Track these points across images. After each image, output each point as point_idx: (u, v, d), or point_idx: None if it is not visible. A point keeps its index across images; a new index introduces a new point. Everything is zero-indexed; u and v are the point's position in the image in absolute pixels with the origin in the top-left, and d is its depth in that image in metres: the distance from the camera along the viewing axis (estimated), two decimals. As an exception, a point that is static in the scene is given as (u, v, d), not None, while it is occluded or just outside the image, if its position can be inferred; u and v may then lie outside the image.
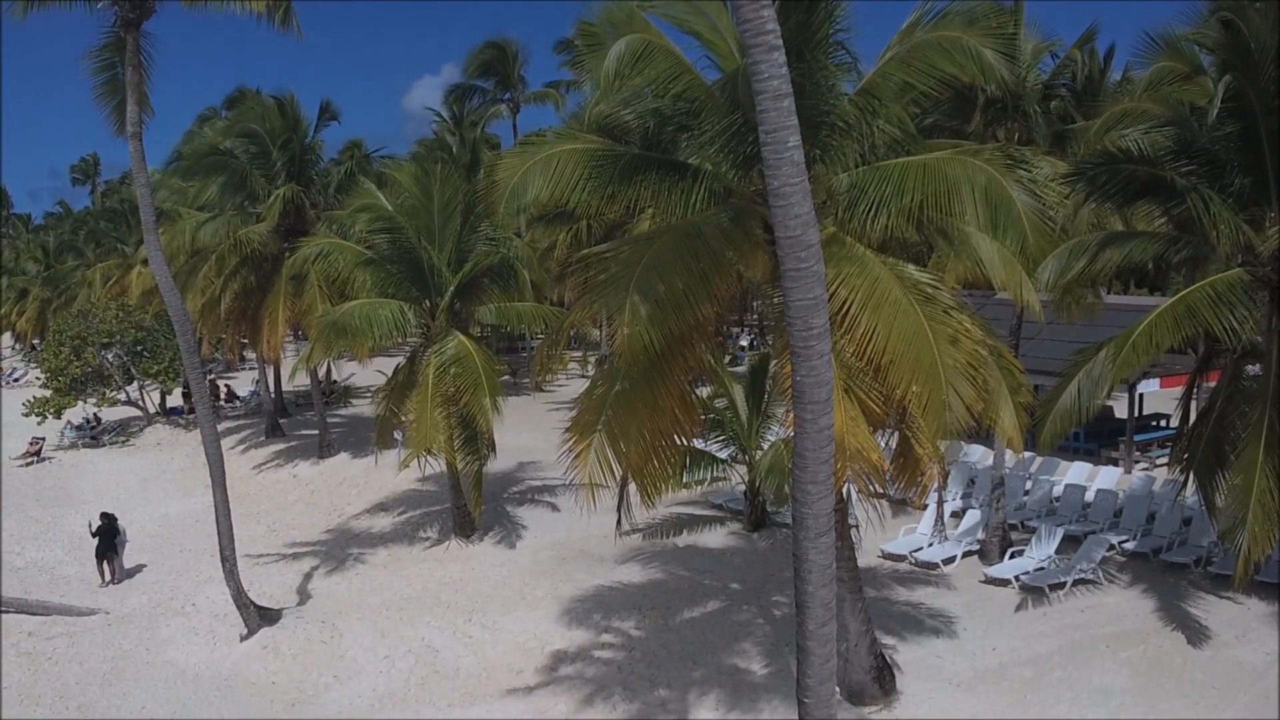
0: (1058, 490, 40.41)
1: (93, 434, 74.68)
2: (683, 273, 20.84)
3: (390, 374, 43.43)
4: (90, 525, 44.85)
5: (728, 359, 67.34)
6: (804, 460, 15.99)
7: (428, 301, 41.45)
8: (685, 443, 23.68)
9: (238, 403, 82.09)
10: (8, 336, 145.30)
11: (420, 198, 41.13)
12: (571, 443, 22.79)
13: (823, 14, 22.05)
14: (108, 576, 43.80)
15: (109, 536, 44.12)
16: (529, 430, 48.53)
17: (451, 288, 40.63)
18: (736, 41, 21.36)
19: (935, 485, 24.79)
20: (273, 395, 71.68)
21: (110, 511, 45.99)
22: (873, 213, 22.17)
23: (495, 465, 45.25)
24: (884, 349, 20.92)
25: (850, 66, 23.43)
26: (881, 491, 23.76)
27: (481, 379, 38.44)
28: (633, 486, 24.39)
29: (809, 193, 15.12)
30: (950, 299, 22.24)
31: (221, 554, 35.86)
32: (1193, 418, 30.73)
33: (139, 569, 45.11)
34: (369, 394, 73.19)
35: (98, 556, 44.07)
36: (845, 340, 21.32)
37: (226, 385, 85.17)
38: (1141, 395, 46.40)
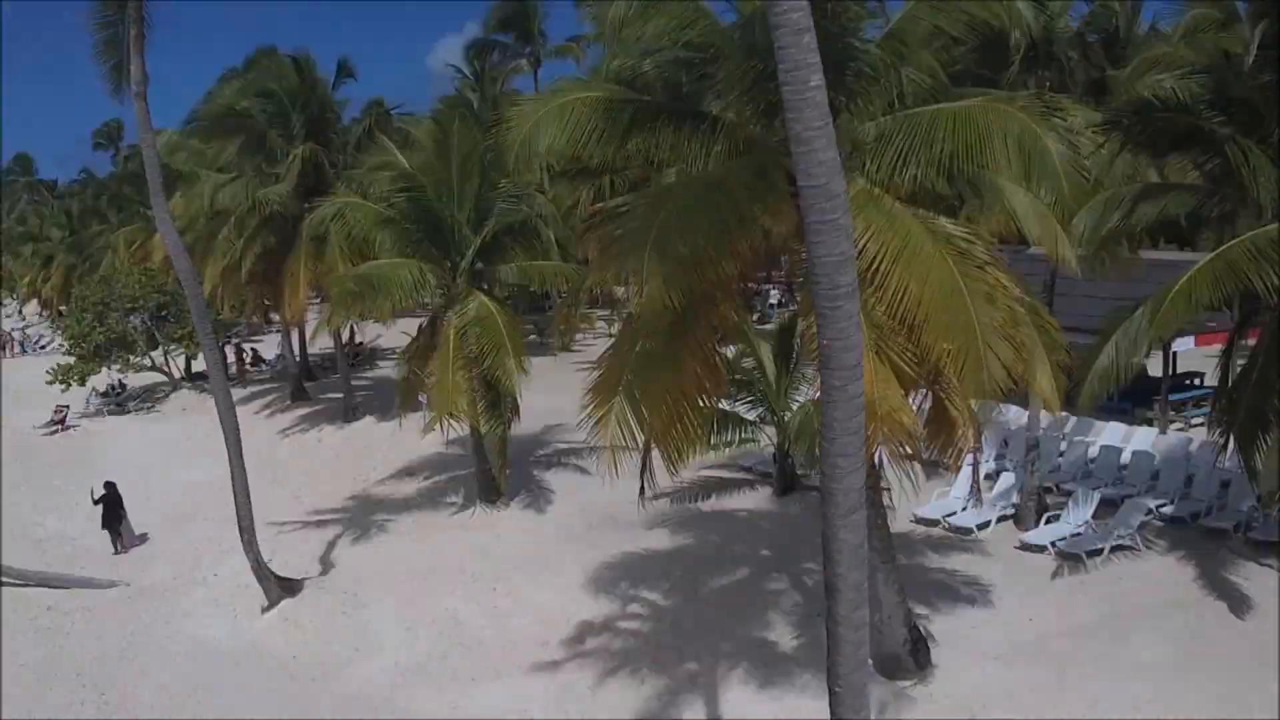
0: (1093, 452, 39.52)
1: (118, 401, 74.56)
2: (704, 228, 19.97)
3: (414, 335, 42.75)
4: (92, 493, 44.47)
5: (755, 317, 66.65)
6: (832, 431, 15.08)
7: (448, 261, 40.61)
8: (710, 405, 22.79)
9: (264, 366, 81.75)
10: (34, 303, 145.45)
11: (439, 155, 40.34)
12: (592, 406, 22.02)
13: None
14: (120, 546, 43.73)
15: (113, 505, 43.88)
16: (556, 391, 47.58)
17: (473, 248, 39.90)
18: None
19: (970, 448, 23.84)
20: (297, 359, 71.09)
21: (112, 480, 45.43)
22: (901, 163, 21.21)
23: (521, 428, 44.46)
24: (916, 307, 19.95)
25: (877, 11, 22.53)
26: (914, 455, 22.82)
27: (504, 340, 37.75)
28: (657, 452, 23.55)
29: (834, 137, 14.17)
30: (985, 253, 21.31)
31: (239, 524, 35.21)
32: (1232, 378, 29.82)
33: (144, 537, 44.98)
34: (394, 356, 72.90)
35: (104, 526, 43.86)
36: (875, 298, 20.37)
37: (252, 349, 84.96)
38: (1175, 354, 45.34)
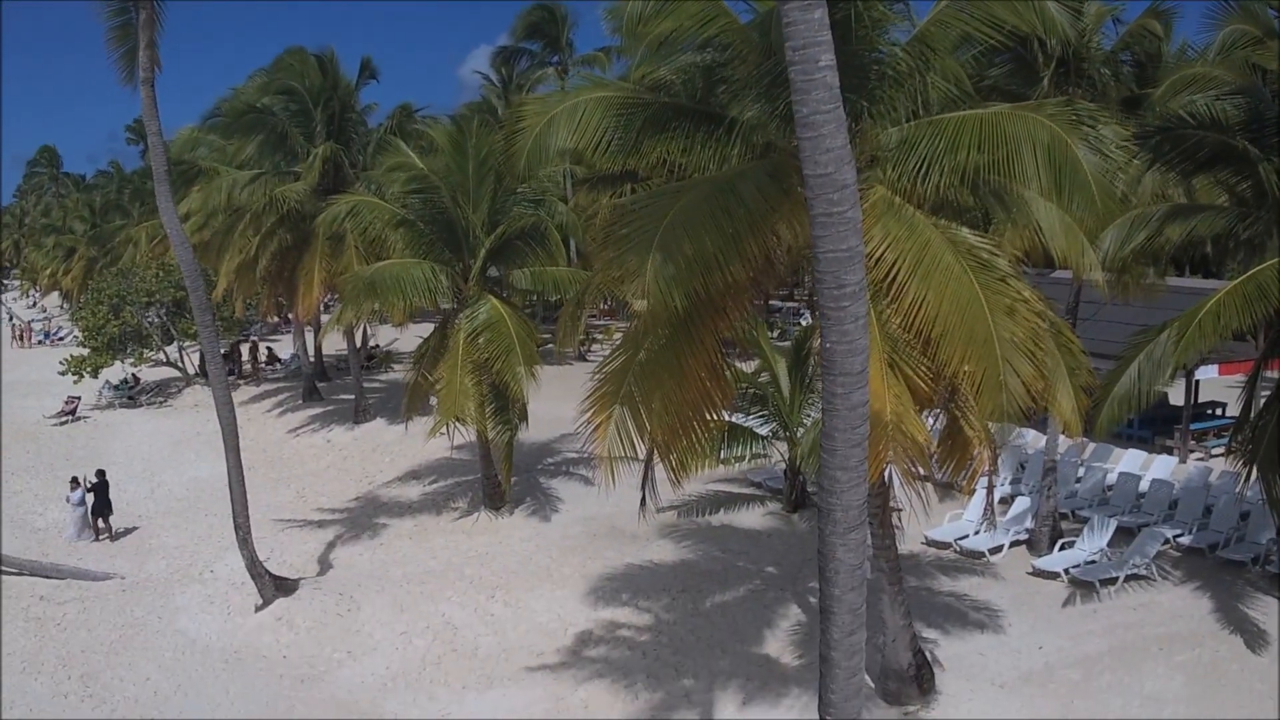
0: (1111, 478, 38.82)
1: (130, 394, 74.43)
2: (712, 230, 19.13)
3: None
4: (85, 481, 45.08)
5: (776, 334, 66.12)
6: (833, 443, 14.37)
7: (460, 264, 40.06)
8: (716, 416, 21.98)
9: (278, 365, 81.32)
10: (54, 295, 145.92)
11: (455, 157, 39.79)
12: (590, 414, 21.27)
13: None
14: (103, 533, 44.39)
15: (103, 493, 44.55)
16: (567, 400, 46.55)
17: (484, 250, 39.34)
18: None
19: (985, 470, 23.07)
20: (311, 359, 70.60)
21: (103, 469, 46.53)
22: (924, 170, 20.41)
23: (530, 436, 44.19)
24: (934, 320, 19.09)
25: (903, 13, 21.80)
26: (927, 475, 22.07)
27: (514, 345, 37.09)
28: (661, 464, 22.82)
29: (844, 123, 13.46)
30: (1007, 266, 20.51)
31: (235, 521, 34.83)
32: (1256, 408, 29.08)
33: (132, 530, 45.28)
34: (409, 359, 72.53)
35: (93, 514, 44.49)
36: (891, 309, 19.68)
37: (268, 348, 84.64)
38: (1198, 381, 44.51)
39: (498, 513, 41.46)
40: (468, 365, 37.67)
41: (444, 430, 38.61)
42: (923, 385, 20.00)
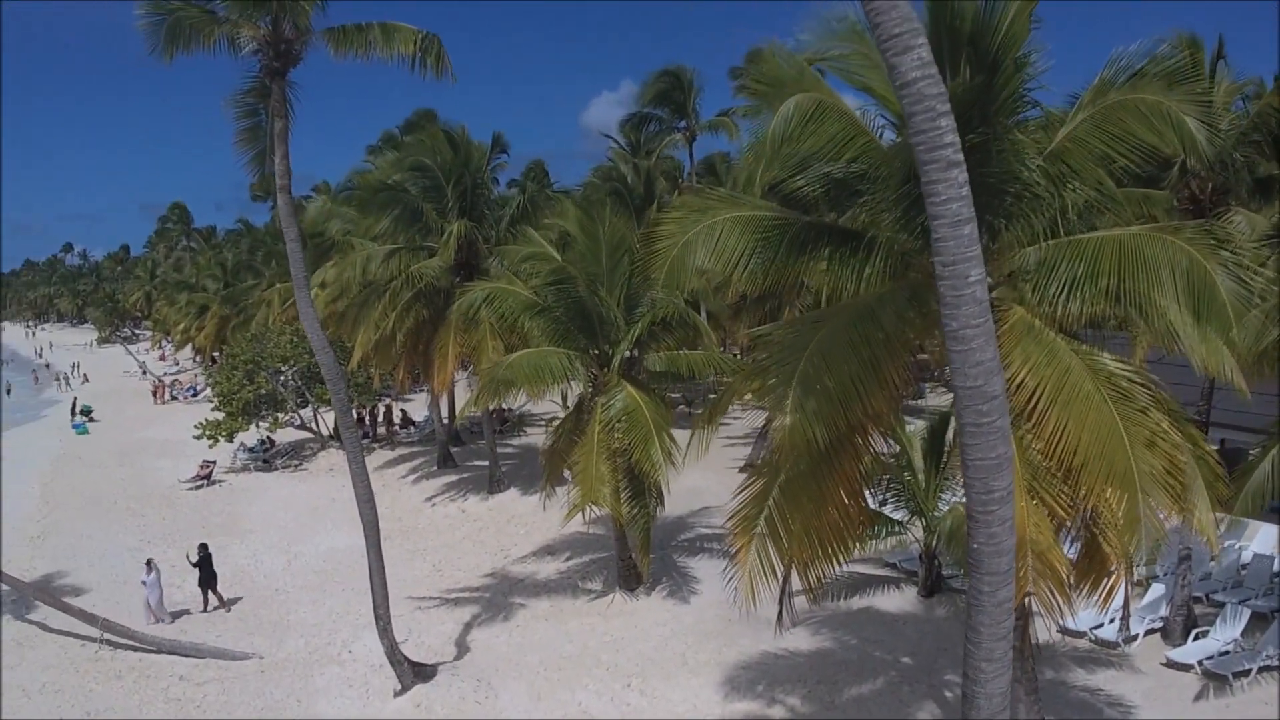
0: (1246, 557, 38.51)
1: (265, 457, 75.49)
2: (852, 360, 19.55)
3: (561, 401, 42.34)
4: (188, 556, 46.68)
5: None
6: (978, 636, 15.11)
7: (596, 349, 40.48)
8: (855, 539, 22.22)
9: (413, 430, 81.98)
10: (188, 349, 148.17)
11: (588, 243, 40.17)
12: (731, 538, 21.65)
13: (1009, 69, 20.48)
14: (213, 604, 45.63)
15: (207, 566, 45.64)
16: (700, 469, 47.00)
17: (623, 345, 39.69)
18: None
19: (1122, 585, 23.04)
20: (445, 424, 71.15)
21: (206, 543, 47.66)
22: (1065, 294, 20.59)
23: (665, 508, 43.58)
24: (1075, 450, 19.24)
25: (1043, 140, 21.89)
26: (1066, 605, 22.05)
27: (651, 433, 37.13)
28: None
29: (993, 335, 13.85)
30: (1146, 394, 20.59)
31: (375, 611, 35.13)
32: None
33: (236, 600, 46.33)
34: (541, 423, 73.03)
35: (200, 585, 45.74)
36: (1032, 435, 19.83)
37: (402, 410, 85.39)
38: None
39: (633, 594, 41.58)
40: (604, 451, 37.81)
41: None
42: (1062, 512, 20.16)
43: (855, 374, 19.46)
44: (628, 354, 40.48)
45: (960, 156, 13.80)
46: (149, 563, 45.07)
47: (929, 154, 13.64)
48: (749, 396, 24.41)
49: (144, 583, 44.43)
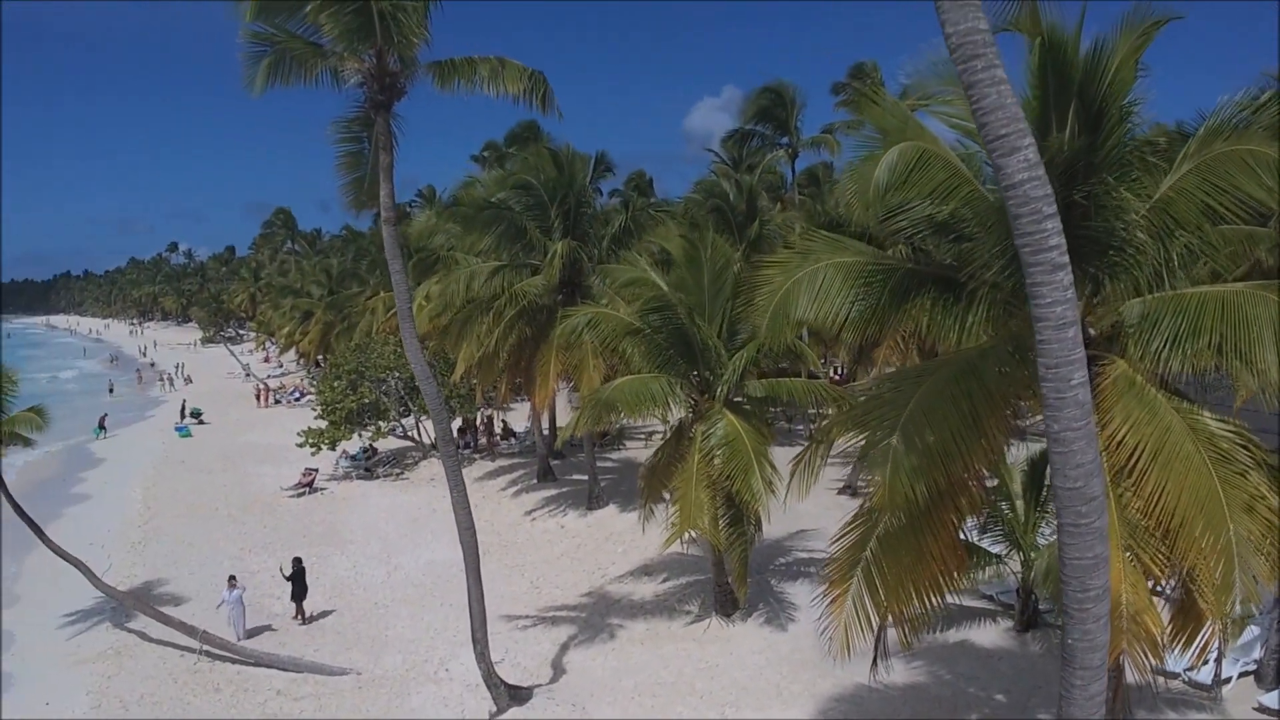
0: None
1: (367, 465, 76.12)
2: (953, 415, 19.58)
3: (660, 416, 42.30)
4: (282, 569, 47.75)
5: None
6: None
7: (696, 375, 40.57)
8: (953, 590, 22.24)
9: (513, 441, 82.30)
10: (292, 352, 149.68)
11: (690, 271, 40.36)
12: (827, 587, 21.78)
13: (1114, 119, 20.36)
14: (306, 615, 46.42)
15: (300, 580, 46.38)
16: (802, 490, 47.46)
17: (727, 377, 39.42)
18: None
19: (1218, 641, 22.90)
20: (545, 436, 71.42)
21: (299, 557, 48.28)
22: (1167, 350, 20.39)
23: (763, 533, 43.42)
24: (1173, 511, 19.11)
25: (1144, 195, 21.73)
26: (1160, 666, 21.93)
27: (751, 463, 36.94)
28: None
29: (1094, 437, 13.90)
30: (1247, 455, 20.40)
31: (473, 635, 35.30)
32: None
33: (328, 613, 47.07)
34: (642, 436, 73.19)
35: (292, 599, 46.42)
36: (1131, 493, 19.67)
37: (503, 421, 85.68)
38: None
39: (729, 619, 41.54)
40: (703, 479, 37.76)
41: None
42: (1159, 571, 20.08)
43: (956, 430, 19.48)
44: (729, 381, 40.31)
45: (1066, 259, 13.87)
46: (231, 580, 45.55)
47: (1034, 256, 13.73)
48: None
49: (225, 600, 44.81)
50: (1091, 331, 21.05)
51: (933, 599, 21.40)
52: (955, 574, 21.55)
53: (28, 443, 46.94)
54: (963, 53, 13.65)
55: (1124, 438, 19.38)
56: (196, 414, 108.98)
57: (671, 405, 40.22)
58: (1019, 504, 37.63)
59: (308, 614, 46.33)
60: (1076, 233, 19.98)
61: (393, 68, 32.27)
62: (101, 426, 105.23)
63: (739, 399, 40.79)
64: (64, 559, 46.26)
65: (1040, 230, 13.64)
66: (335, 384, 76.88)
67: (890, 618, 21.67)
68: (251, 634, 44.43)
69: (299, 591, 46.38)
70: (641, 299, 41.90)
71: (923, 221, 23.39)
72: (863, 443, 20.65)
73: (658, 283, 41.43)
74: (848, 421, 22.63)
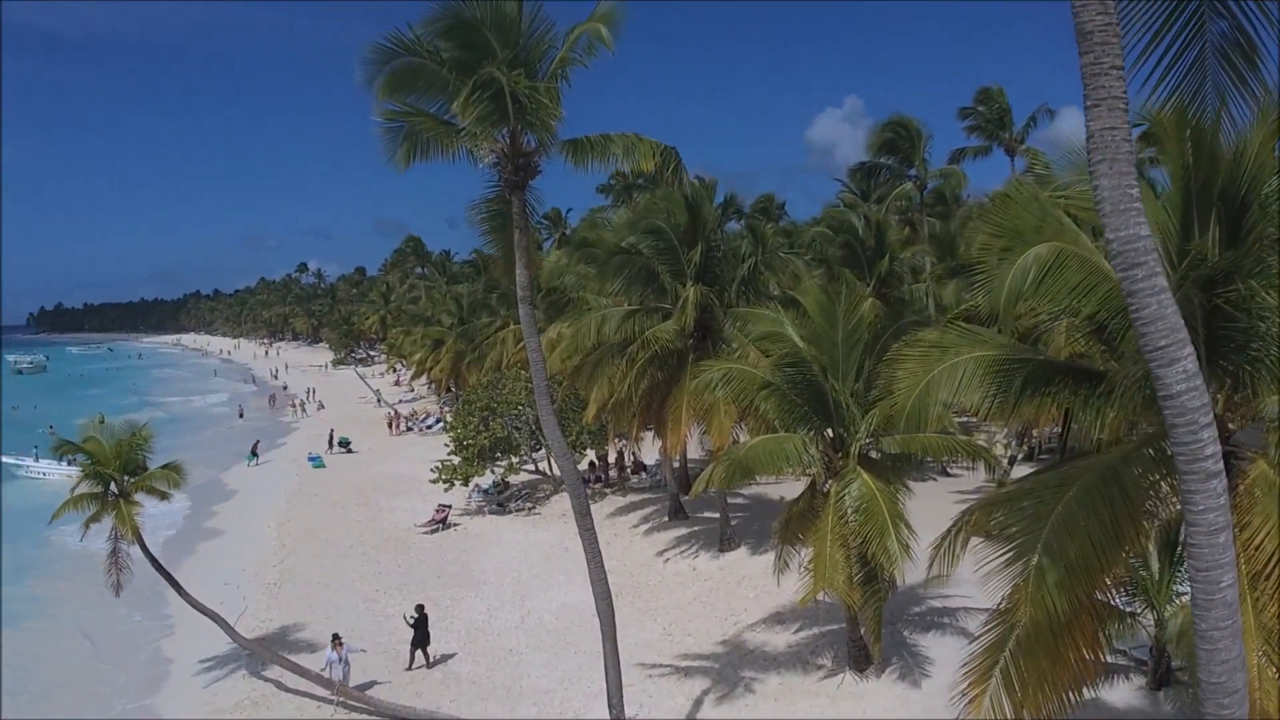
0: None
1: (499, 500, 76.58)
2: (1094, 527, 19.35)
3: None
4: (407, 617, 48.01)
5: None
6: None
7: (831, 432, 40.45)
8: (1091, 691, 22.20)
9: (644, 475, 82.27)
10: (423, 379, 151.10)
11: (824, 324, 40.23)
12: (966, 685, 21.81)
13: (1255, 216, 19.96)
14: (419, 662, 46.90)
15: (423, 627, 46.86)
16: (934, 530, 47.28)
17: (860, 436, 39.23)
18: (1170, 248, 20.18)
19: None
20: (675, 473, 71.25)
21: (422, 604, 48.69)
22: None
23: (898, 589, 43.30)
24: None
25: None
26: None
27: (888, 525, 36.67)
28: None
29: (1239, 634, 13.90)
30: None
31: (609, 699, 35.14)
32: None
33: (457, 657, 47.53)
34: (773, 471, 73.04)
35: (413, 646, 46.88)
36: (1269, 599, 19.35)
37: (633, 455, 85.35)
38: None
39: (863, 675, 41.26)
40: (838, 540, 37.68)
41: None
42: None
43: (1098, 541, 19.29)
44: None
45: (1220, 466, 13.87)
46: (335, 639, 44.93)
47: (1189, 465, 13.74)
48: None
49: (329, 662, 43.99)
50: (1231, 426, 20.88)
51: (1071, 697, 21.35)
52: (1093, 672, 21.54)
53: (164, 496, 47.63)
54: (1124, 260, 13.67)
55: (1262, 543, 19.13)
56: (345, 443, 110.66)
57: (805, 462, 40.14)
58: (1152, 561, 37.22)
59: (431, 659, 46.81)
60: (1215, 334, 19.90)
61: (527, 147, 32.50)
62: (254, 453, 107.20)
63: (874, 454, 40.63)
64: (201, 612, 47.05)
65: (1197, 440, 13.64)
66: (468, 420, 77.45)
67: (1026, 715, 21.61)
68: (386, 682, 44.97)
69: (420, 639, 46.78)
70: (775, 355, 41.95)
71: (1061, 314, 23.48)
72: (1007, 555, 20.57)
73: (793, 338, 41.38)
74: (989, 526, 22.59)
